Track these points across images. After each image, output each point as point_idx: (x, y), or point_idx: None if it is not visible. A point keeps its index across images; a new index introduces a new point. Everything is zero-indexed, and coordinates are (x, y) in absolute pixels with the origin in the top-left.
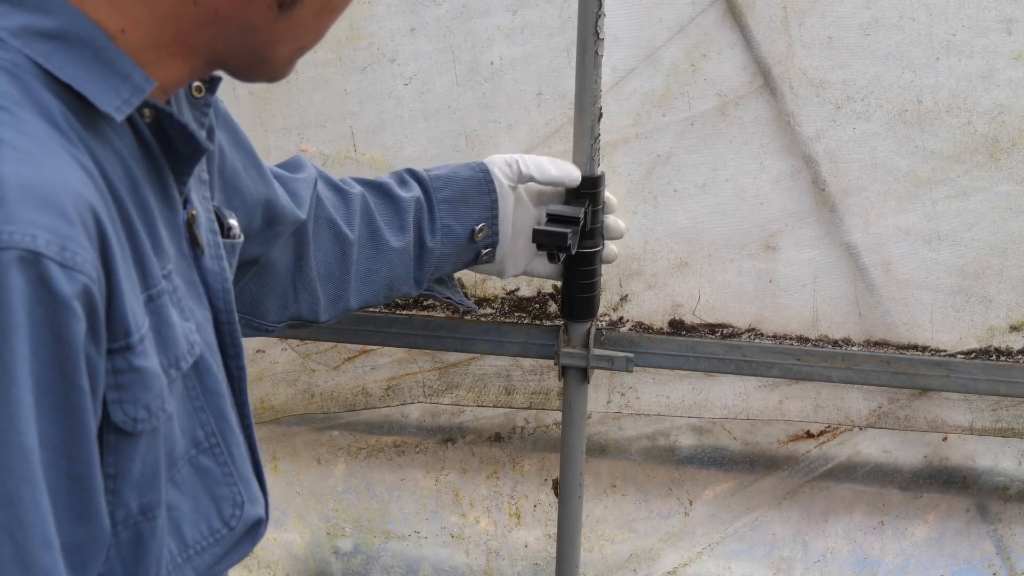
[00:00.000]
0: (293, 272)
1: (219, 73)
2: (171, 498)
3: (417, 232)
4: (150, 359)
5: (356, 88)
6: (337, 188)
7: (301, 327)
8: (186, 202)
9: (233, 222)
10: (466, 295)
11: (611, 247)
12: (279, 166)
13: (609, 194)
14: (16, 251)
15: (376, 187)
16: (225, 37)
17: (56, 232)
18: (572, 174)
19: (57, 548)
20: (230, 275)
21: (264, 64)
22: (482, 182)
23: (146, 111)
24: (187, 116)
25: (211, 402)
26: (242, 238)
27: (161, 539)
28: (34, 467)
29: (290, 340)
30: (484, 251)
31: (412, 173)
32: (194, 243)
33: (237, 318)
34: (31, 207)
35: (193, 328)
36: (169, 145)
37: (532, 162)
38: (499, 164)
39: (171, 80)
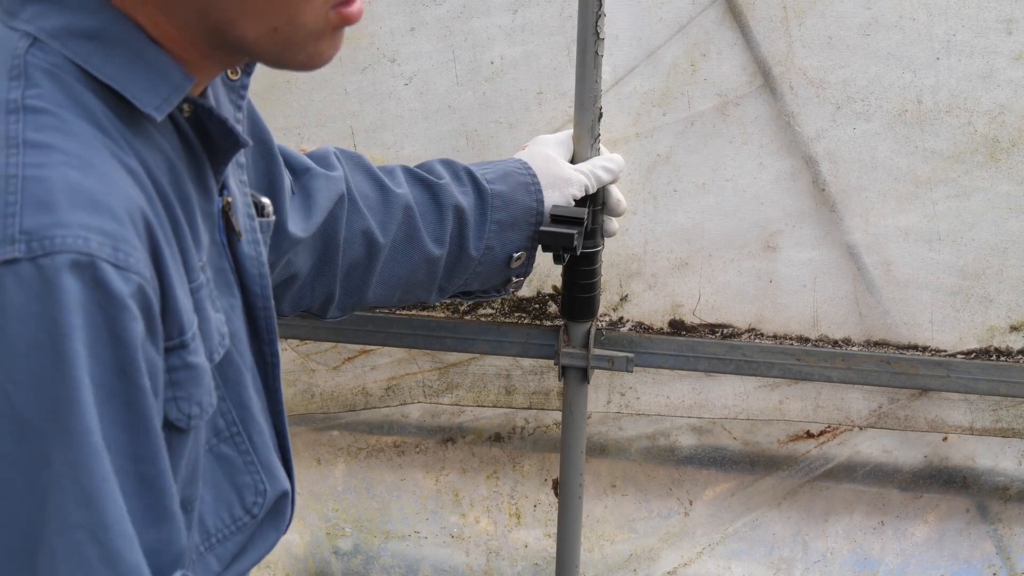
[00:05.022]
0: (315, 274)
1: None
2: None
3: (458, 242)
4: (200, 355)
5: (356, 88)
6: (380, 186)
7: (309, 318)
8: (223, 189)
9: (265, 200)
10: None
11: (613, 223)
12: (310, 155)
13: (609, 159)
14: (69, 255)
15: (426, 186)
16: (217, 15)
17: (108, 234)
18: (621, 167)
19: (139, 547)
20: (266, 258)
21: (253, 46)
22: (533, 212)
23: (185, 106)
24: (223, 99)
25: (231, 392)
26: (274, 216)
27: (192, 532)
28: (107, 466)
29: (290, 340)
30: (515, 279)
31: (471, 176)
32: (229, 229)
33: (273, 303)
34: (82, 210)
35: (223, 319)
36: (207, 137)
37: (593, 180)
38: (558, 190)
39: (208, 74)
